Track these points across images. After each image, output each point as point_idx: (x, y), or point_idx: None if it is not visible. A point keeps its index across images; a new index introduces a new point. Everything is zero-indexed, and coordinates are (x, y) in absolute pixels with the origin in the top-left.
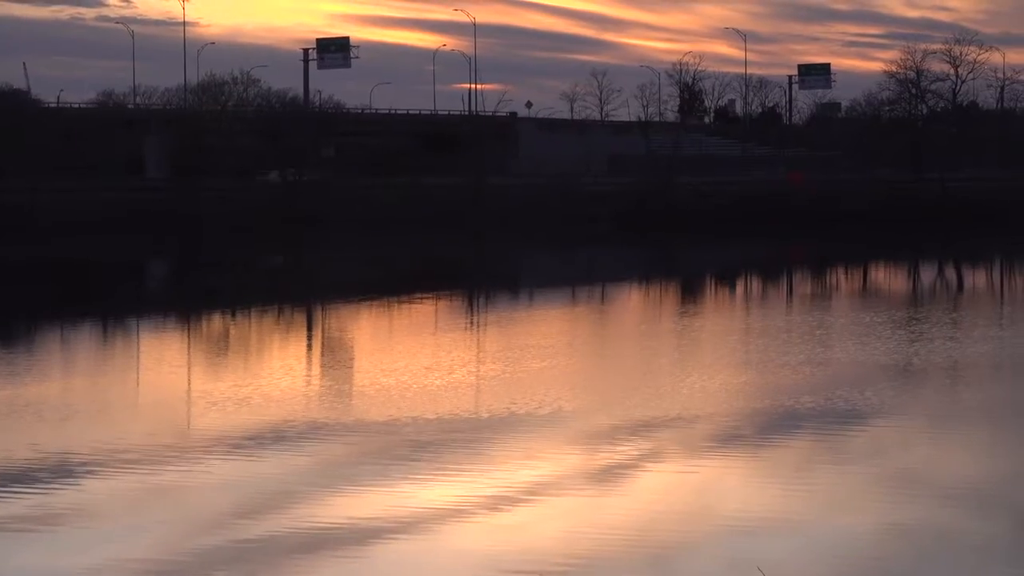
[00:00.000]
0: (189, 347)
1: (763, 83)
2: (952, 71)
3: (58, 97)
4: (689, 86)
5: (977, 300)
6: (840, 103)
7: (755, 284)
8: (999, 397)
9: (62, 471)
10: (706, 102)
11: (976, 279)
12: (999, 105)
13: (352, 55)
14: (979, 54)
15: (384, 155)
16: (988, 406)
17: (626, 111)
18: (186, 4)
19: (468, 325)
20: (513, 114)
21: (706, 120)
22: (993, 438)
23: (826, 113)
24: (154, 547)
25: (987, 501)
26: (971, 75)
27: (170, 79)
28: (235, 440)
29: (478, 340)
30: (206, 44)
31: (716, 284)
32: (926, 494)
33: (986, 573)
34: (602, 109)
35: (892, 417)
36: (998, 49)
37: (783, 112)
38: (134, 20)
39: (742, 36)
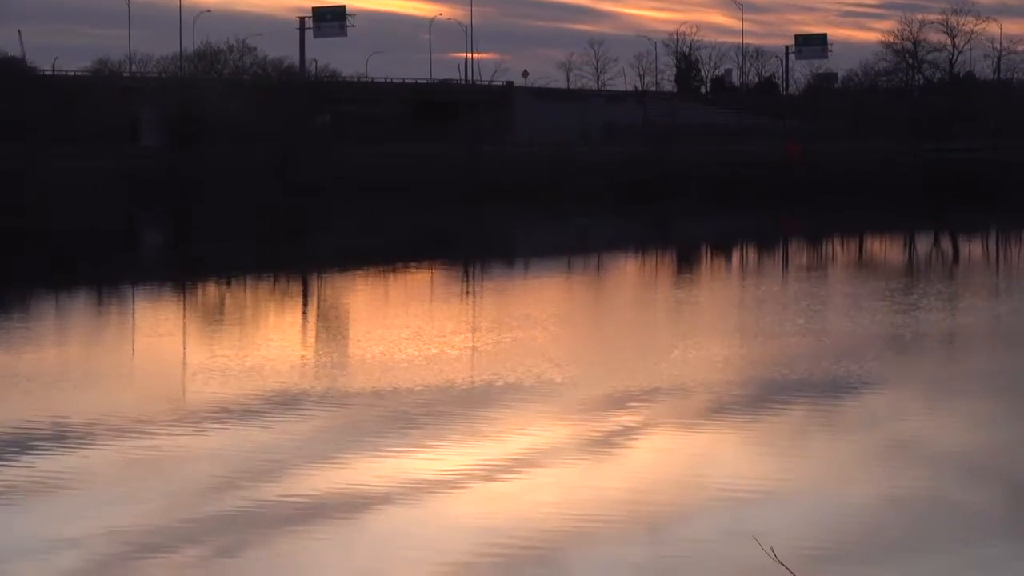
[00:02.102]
0: (184, 316)
1: (759, 53)
2: (949, 41)
3: (53, 65)
4: (686, 56)
5: (974, 270)
6: (836, 73)
7: (751, 254)
8: (996, 367)
9: (54, 439)
10: (703, 72)
11: (973, 250)
12: (996, 76)
13: (348, 23)
14: (976, 24)
15: (380, 124)
16: (985, 375)
17: (622, 81)
18: None
19: (463, 295)
20: (509, 83)
21: (703, 90)
22: (991, 408)
23: (822, 83)
24: (145, 516)
25: (984, 471)
26: (968, 46)
27: (166, 47)
28: (228, 409)
29: (473, 310)
30: (202, 12)
31: (712, 254)
32: (922, 464)
33: (982, 543)
34: (599, 79)
35: (889, 386)
36: (995, 20)
37: (780, 82)
38: None
39: (739, 6)
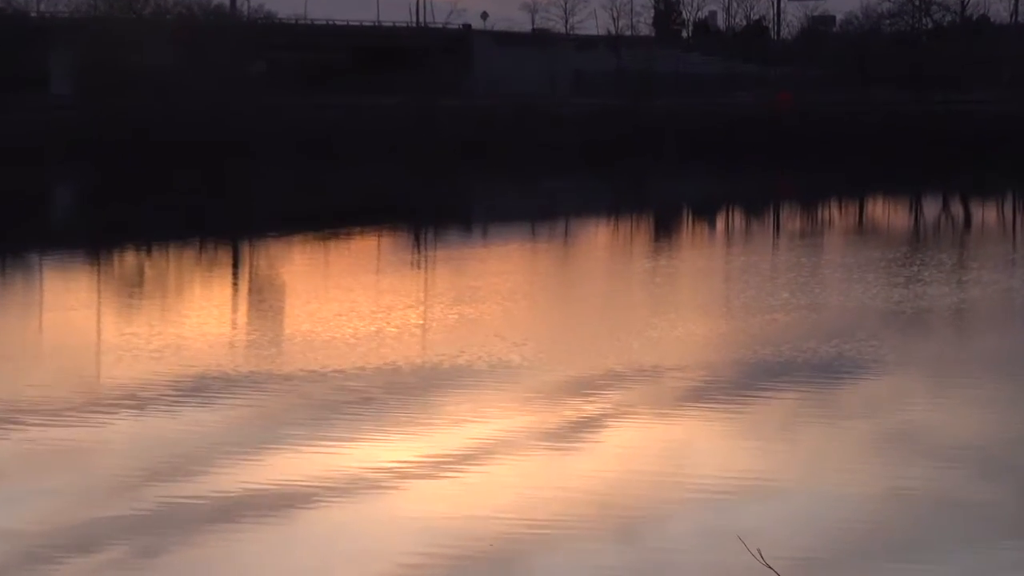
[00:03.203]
0: (98, 287)
1: None
2: None
3: None
4: None
5: (986, 238)
6: (834, 16)
7: (738, 219)
8: (1008, 346)
9: None
10: (684, 14)
11: (986, 215)
12: (1013, 19)
13: None
14: None
15: (321, 72)
16: (996, 356)
17: (594, 24)
18: None
19: (414, 264)
20: (466, 27)
21: (684, 35)
22: (1003, 393)
23: (819, 28)
24: (52, 514)
25: (996, 464)
26: None
27: None
28: (145, 393)
29: (425, 281)
30: None
31: (694, 219)
32: (926, 456)
33: (991, 544)
34: (567, 21)
35: (888, 369)
36: None
37: (770, 26)
38: None
39: None
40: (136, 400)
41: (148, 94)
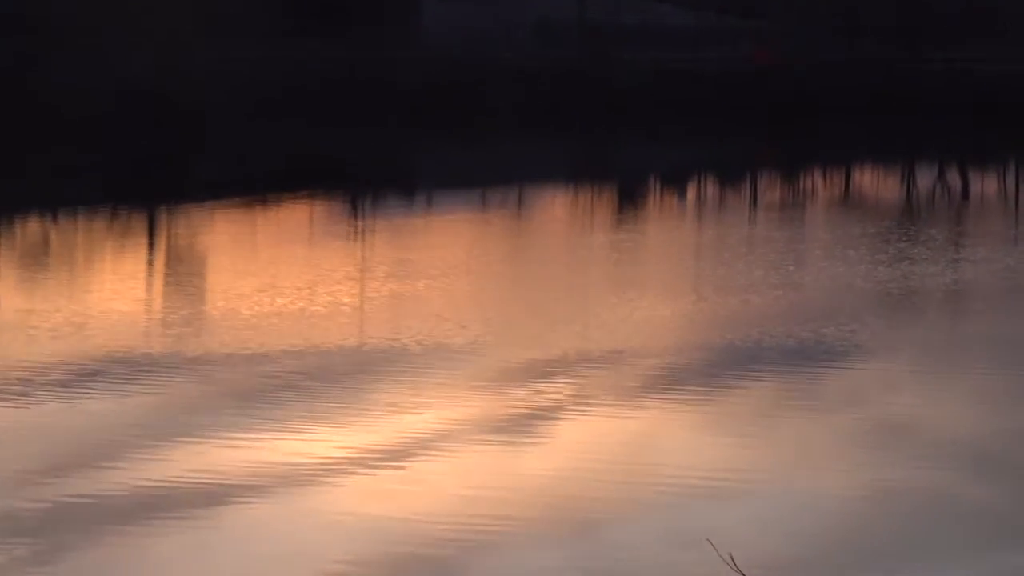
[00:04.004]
0: None
1: None
2: None
3: None
4: None
5: (984, 212)
6: None
7: (710, 189)
8: (1005, 332)
9: None
10: None
11: (986, 186)
12: None
13: None
14: None
15: (244, 19)
16: (992, 343)
17: None
18: None
19: (349, 235)
20: None
21: None
22: (997, 383)
23: None
24: None
25: (988, 461)
26: None
27: None
28: (46, 378)
29: (361, 254)
30: None
31: (662, 188)
32: (913, 452)
33: (985, 550)
34: None
35: (874, 356)
36: None
37: None
38: None
39: None
40: (32, 385)
41: (45, 40)
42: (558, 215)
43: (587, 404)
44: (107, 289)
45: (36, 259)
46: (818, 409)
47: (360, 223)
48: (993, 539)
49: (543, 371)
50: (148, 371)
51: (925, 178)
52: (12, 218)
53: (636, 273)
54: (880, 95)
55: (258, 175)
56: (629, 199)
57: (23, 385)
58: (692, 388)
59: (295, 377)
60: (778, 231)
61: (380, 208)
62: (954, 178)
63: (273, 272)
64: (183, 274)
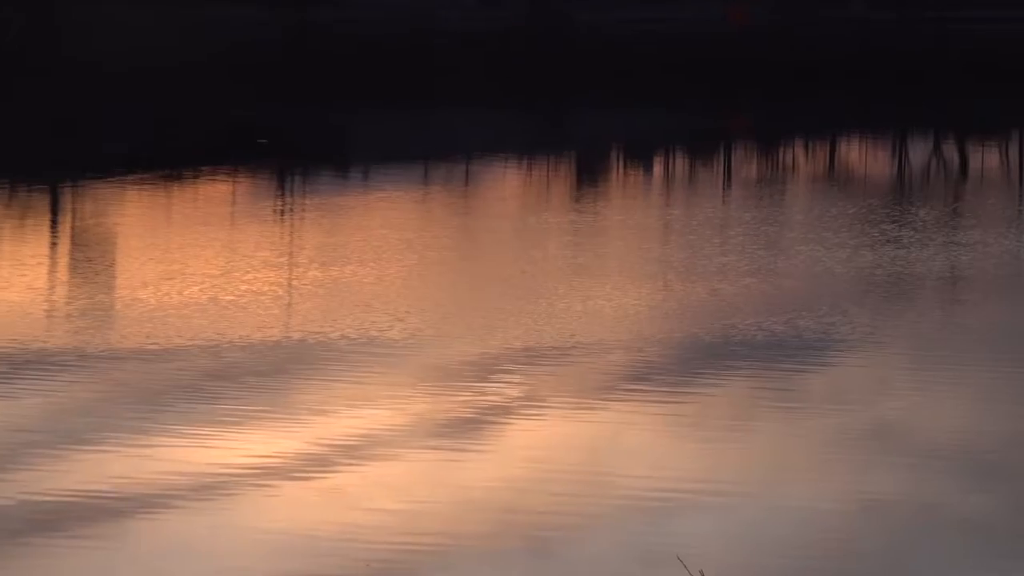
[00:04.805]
0: None
1: None
2: None
3: None
4: None
5: (984, 190)
6: None
7: (679, 164)
8: (1003, 324)
9: None
10: None
11: (985, 160)
12: None
13: None
14: None
15: None
16: (988, 336)
17: None
18: None
19: (276, 214)
20: None
21: None
22: (994, 381)
23: None
24: None
25: (983, 468)
26: None
27: None
28: None
29: (287, 236)
30: None
31: (626, 163)
32: (902, 458)
33: (979, 564)
34: None
35: (859, 351)
36: None
37: None
38: None
39: None
40: None
41: None
42: (508, 192)
43: (539, 406)
44: (3, 276)
45: None
46: (795, 410)
47: (286, 201)
48: (987, 553)
49: (490, 368)
50: (41, 369)
51: (919, 152)
52: None
53: (595, 258)
54: (866, 59)
55: (176, 147)
56: (588, 174)
57: None
58: (656, 387)
59: (207, 377)
60: (753, 211)
61: (309, 185)
62: (951, 151)
63: (184, 257)
64: (82, 259)
